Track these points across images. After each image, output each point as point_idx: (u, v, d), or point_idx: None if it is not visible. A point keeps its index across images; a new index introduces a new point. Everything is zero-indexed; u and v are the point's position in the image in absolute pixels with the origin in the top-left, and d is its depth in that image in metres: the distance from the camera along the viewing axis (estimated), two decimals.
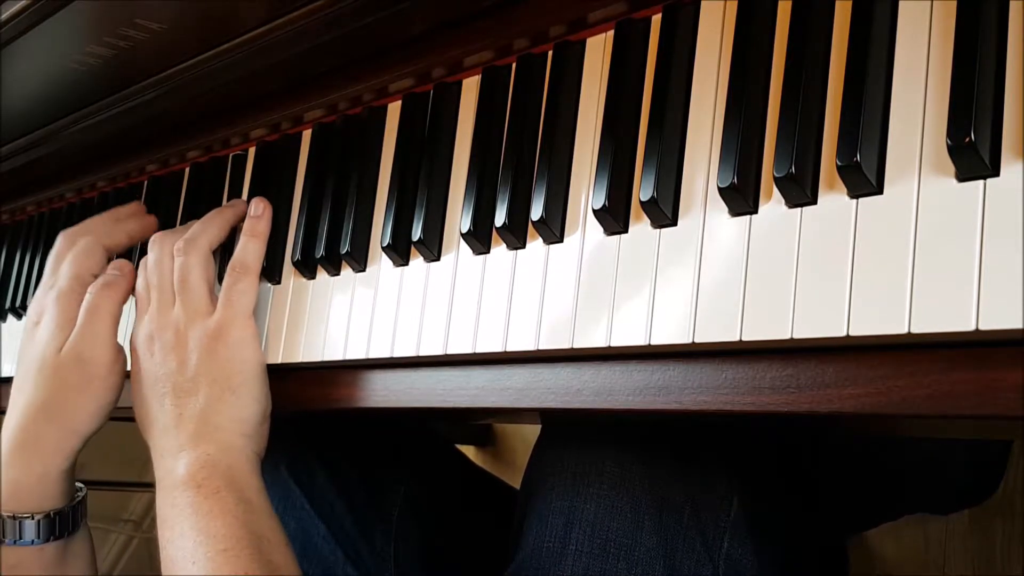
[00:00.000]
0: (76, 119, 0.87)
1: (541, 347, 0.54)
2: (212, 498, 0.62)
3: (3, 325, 1.07)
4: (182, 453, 0.64)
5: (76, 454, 0.71)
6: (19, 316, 1.04)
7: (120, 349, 0.72)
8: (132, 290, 0.73)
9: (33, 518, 0.68)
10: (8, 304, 1.06)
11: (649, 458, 0.60)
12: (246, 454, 0.65)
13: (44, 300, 0.73)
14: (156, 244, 0.72)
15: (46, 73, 0.80)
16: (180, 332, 0.68)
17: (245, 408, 0.66)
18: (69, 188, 1.01)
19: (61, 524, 0.70)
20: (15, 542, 0.67)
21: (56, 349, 0.70)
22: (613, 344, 0.51)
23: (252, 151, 0.80)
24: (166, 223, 0.87)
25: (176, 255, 0.70)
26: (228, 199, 0.81)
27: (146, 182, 0.91)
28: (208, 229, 0.72)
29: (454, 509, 0.87)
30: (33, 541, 0.68)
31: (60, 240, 0.78)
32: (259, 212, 0.72)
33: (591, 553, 0.57)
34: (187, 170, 0.87)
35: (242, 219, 0.74)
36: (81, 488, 0.73)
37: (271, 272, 0.73)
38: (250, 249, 0.71)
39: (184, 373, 0.67)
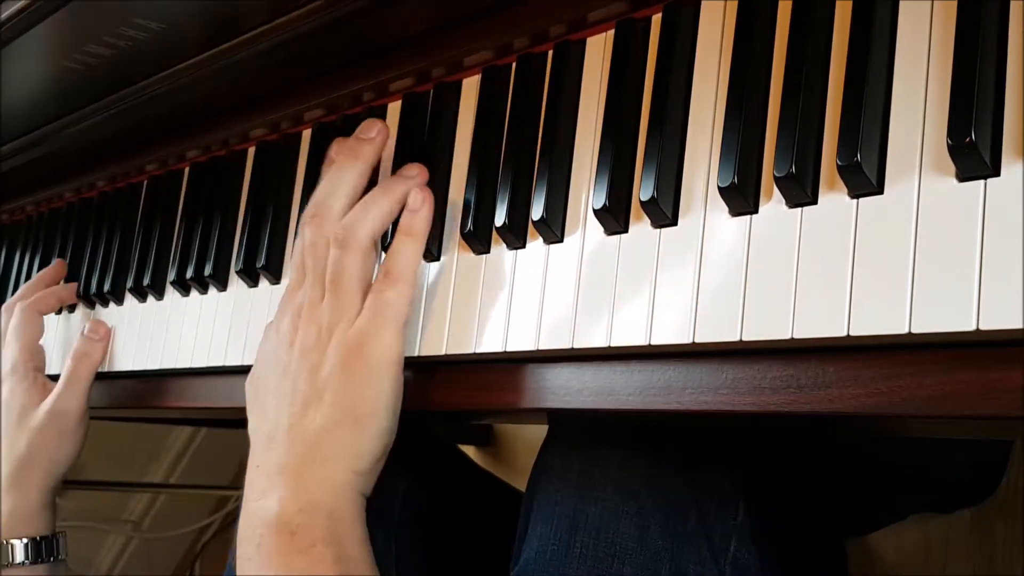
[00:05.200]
0: (76, 119, 0.87)
1: (541, 347, 0.54)
2: (307, 554, 0.54)
3: None
4: (280, 481, 0.57)
5: (55, 491, 0.84)
6: None
7: (87, 407, 0.83)
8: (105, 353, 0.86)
9: (22, 541, 0.80)
10: None
11: (655, 461, 0.59)
12: (351, 496, 0.57)
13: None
14: (309, 225, 0.62)
15: (46, 73, 0.80)
16: (322, 333, 0.59)
17: (365, 443, 0.58)
18: (69, 188, 1.01)
19: (47, 548, 0.81)
20: (8, 564, 0.79)
21: (32, 407, 0.82)
22: (613, 344, 0.51)
23: (252, 151, 0.80)
24: (166, 223, 0.87)
25: (332, 245, 0.60)
26: (228, 199, 0.80)
27: (146, 182, 0.91)
28: (369, 214, 0.61)
29: (455, 509, 0.87)
30: (23, 562, 0.79)
31: None
32: (418, 206, 0.61)
33: (596, 557, 0.57)
34: (187, 170, 0.87)
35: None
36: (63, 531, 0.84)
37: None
38: (407, 252, 0.60)
39: (314, 380, 0.58)
